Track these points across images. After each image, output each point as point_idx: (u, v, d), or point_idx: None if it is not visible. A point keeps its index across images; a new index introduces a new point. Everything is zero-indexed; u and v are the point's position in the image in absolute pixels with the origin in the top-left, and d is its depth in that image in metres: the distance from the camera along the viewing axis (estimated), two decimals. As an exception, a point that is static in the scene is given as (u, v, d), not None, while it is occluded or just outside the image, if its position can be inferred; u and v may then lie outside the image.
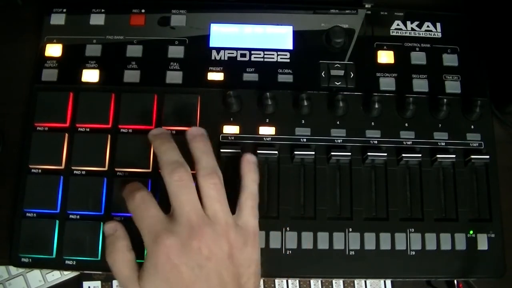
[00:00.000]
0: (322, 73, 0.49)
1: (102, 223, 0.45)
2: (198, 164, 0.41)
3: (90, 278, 0.57)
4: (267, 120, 0.48)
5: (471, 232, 0.46)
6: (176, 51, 0.49)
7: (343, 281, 0.58)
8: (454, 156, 0.46)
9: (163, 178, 0.40)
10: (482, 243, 0.46)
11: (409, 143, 0.47)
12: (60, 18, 0.50)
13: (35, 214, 0.45)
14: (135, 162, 0.46)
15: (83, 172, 0.46)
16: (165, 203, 0.44)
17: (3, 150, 0.49)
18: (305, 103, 0.46)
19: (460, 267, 0.45)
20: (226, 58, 0.49)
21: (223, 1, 0.52)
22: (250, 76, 0.49)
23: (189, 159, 0.41)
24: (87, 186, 0.45)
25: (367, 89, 0.49)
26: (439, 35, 0.51)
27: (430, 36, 0.51)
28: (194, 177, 0.41)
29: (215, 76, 0.49)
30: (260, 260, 0.41)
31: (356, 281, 0.58)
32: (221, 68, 0.49)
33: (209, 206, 0.40)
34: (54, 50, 0.49)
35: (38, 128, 0.47)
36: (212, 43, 0.50)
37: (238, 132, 0.47)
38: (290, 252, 0.45)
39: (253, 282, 0.40)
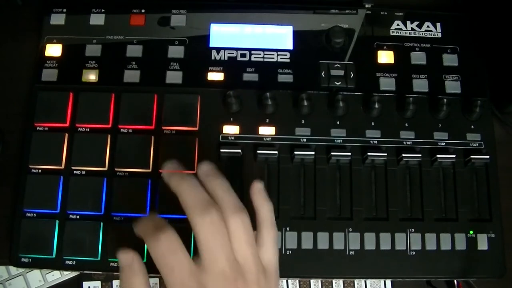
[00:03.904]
0: (322, 73, 0.49)
1: (102, 223, 0.45)
2: (223, 203, 0.37)
3: (90, 278, 0.57)
4: (267, 120, 0.48)
5: (471, 232, 0.46)
6: (176, 51, 0.49)
7: (343, 281, 0.58)
8: (454, 156, 0.46)
9: (189, 219, 0.36)
10: (482, 243, 0.46)
11: (409, 143, 0.47)
12: (60, 18, 0.50)
13: (35, 214, 0.45)
14: (135, 162, 0.46)
15: (83, 172, 0.46)
16: (165, 203, 0.44)
17: (3, 150, 0.49)
18: (305, 103, 0.46)
19: (460, 267, 0.45)
20: (226, 58, 0.49)
21: (223, 1, 0.52)
22: (250, 76, 0.49)
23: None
24: (87, 186, 0.45)
25: (367, 89, 0.49)
26: (439, 35, 0.51)
27: (430, 36, 0.51)
28: None
29: (215, 76, 0.49)
30: None
31: (356, 281, 0.58)
32: (221, 68, 0.49)
33: (240, 250, 0.37)
34: (54, 50, 0.49)
35: (38, 128, 0.47)
36: (212, 43, 0.50)
37: (238, 132, 0.47)
38: (290, 252, 0.45)
39: None
